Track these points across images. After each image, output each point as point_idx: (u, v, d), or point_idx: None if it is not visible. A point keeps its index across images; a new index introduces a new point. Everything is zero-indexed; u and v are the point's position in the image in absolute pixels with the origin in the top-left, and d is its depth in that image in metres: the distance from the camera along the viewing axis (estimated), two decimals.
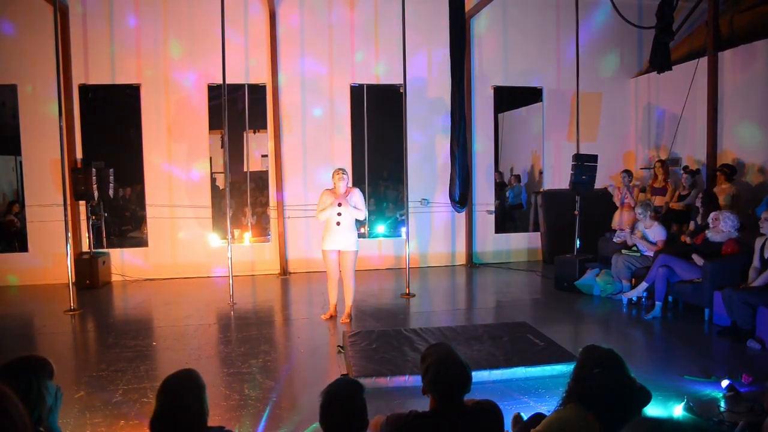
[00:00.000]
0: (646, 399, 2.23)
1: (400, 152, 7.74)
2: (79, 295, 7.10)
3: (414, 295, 7.33)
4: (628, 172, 8.35)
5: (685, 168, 8.05)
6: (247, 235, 9.54)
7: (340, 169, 6.11)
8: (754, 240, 5.62)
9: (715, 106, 7.91)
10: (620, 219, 8.16)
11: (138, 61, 8.50)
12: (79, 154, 8.47)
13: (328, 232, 6.09)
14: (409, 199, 7.79)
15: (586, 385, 2.19)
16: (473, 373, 2.33)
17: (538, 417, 2.65)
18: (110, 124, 9.46)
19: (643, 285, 6.41)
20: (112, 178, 8.34)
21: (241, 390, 4.29)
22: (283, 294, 7.88)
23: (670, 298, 6.44)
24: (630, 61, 9.86)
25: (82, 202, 8.29)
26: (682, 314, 6.31)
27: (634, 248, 7.02)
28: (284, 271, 8.82)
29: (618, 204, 8.29)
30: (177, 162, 8.67)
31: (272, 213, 8.94)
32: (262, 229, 9.77)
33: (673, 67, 8.05)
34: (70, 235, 6.90)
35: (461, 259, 9.49)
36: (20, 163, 8.67)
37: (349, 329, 5.71)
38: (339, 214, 5.99)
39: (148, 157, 8.64)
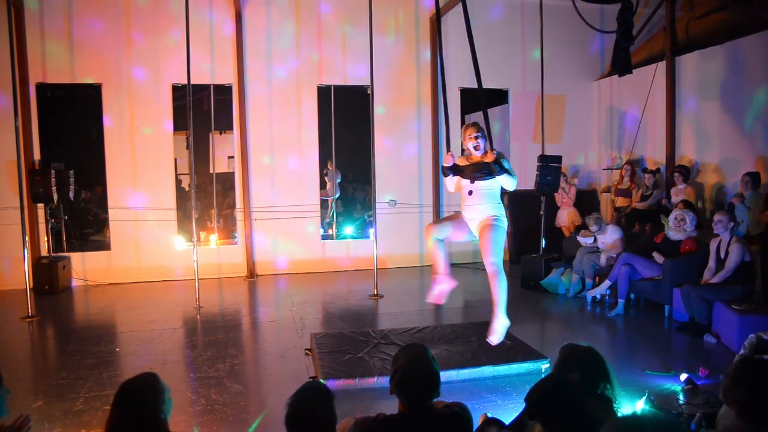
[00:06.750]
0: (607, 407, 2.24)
1: (367, 153, 7.74)
2: (37, 301, 6.88)
3: (382, 296, 7.33)
4: (563, 174, 8.71)
5: (645, 169, 8.31)
6: (213, 238, 9.40)
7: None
8: (709, 240, 5.81)
9: (673, 108, 8.17)
10: (561, 217, 8.94)
11: (99, 59, 8.25)
12: (37, 155, 8.19)
13: None
14: (376, 200, 7.81)
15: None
16: (441, 373, 2.30)
17: (491, 422, 2.61)
18: (70, 124, 9.20)
19: (606, 283, 6.56)
20: (72, 179, 8.10)
21: (208, 395, 4.22)
22: (251, 297, 7.79)
23: (632, 296, 6.60)
24: (593, 64, 10.08)
25: (40, 205, 8.02)
26: (643, 311, 6.49)
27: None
28: (251, 274, 8.71)
29: (558, 204, 8.94)
30: (140, 164, 8.47)
31: (239, 215, 8.82)
32: (228, 231, 9.64)
33: (634, 71, 8.26)
34: (27, 239, 6.69)
35: (430, 259, 9.49)
36: None
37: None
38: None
39: (110, 158, 8.42)
